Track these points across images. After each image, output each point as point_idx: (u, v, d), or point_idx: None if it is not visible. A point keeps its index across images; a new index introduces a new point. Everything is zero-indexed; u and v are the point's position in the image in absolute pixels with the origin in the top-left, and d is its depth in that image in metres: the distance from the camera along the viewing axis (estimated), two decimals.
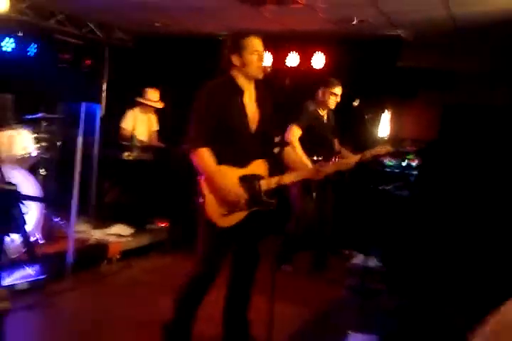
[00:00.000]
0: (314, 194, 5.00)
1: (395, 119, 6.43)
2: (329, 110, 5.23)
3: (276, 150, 3.28)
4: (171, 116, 7.03)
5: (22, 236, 1.87)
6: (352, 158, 5.17)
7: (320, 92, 5.12)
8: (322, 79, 5.27)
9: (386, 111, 6.05)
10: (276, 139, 3.32)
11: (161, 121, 6.87)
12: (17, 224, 1.30)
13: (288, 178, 3.35)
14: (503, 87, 6.09)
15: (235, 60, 3.14)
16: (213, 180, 3.06)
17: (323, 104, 5.14)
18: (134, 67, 7.18)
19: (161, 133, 6.88)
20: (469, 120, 6.19)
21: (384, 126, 6.07)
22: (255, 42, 3.14)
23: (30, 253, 3.00)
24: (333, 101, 5.12)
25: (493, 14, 5.11)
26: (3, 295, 1.36)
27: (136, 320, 3.93)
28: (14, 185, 1.84)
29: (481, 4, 4.88)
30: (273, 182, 3.25)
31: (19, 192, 1.73)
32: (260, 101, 3.26)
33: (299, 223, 5.11)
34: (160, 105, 6.61)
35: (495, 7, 4.92)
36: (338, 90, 5.12)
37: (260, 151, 3.27)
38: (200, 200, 3.07)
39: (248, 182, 3.15)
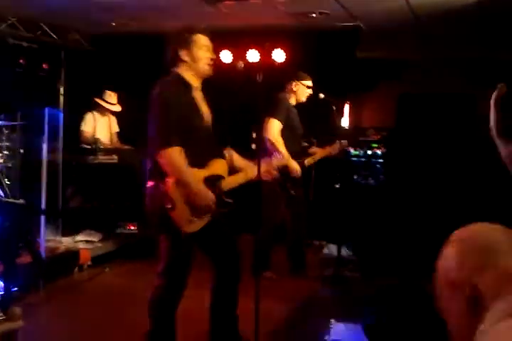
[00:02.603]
0: (293, 191, 4.97)
1: (357, 109, 6.52)
2: (297, 104, 5.20)
3: (253, 146, 3.25)
4: (132, 117, 6.93)
5: (30, 247, 1.82)
6: (319, 153, 5.25)
7: (293, 85, 5.07)
8: (291, 72, 5.24)
9: (348, 101, 6.13)
10: (253, 135, 3.32)
11: (121, 122, 6.76)
12: (28, 236, 1.25)
13: (243, 177, 3.28)
14: (462, 74, 6.23)
15: (184, 55, 3.08)
16: (186, 183, 2.93)
17: (297, 97, 5.11)
18: (91, 69, 7.03)
19: (121, 134, 6.77)
20: (423, 108, 6.32)
21: (346, 117, 6.16)
22: (204, 38, 3.13)
23: (39, 263, 2.88)
24: (305, 94, 5.10)
25: (451, 2, 5.18)
26: (17, 313, 1.31)
27: (114, 326, 3.89)
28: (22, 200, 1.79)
29: None
30: (232, 182, 3.21)
31: (31, 205, 1.67)
32: (205, 99, 3.23)
33: (269, 226, 5.03)
34: (117, 108, 6.51)
35: None
36: (310, 83, 5.11)
37: (216, 149, 3.23)
38: (168, 206, 2.89)
39: (211, 183, 3.07)
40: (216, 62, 3.22)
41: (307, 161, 5.13)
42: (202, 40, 3.11)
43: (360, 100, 6.69)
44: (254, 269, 4.81)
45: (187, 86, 3.11)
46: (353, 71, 6.32)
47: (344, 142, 5.30)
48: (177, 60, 3.10)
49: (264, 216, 4.93)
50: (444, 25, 5.95)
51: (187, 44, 3.08)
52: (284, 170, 4.68)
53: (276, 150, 4.79)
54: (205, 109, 3.18)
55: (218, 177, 3.15)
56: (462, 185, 5.66)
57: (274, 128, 4.83)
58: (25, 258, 4.63)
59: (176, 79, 3.10)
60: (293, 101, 5.11)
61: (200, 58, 3.10)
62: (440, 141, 5.99)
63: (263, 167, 3.28)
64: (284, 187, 4.87)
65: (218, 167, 3.17)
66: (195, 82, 3.16)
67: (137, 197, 5.93)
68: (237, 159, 3.38)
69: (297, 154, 4.99)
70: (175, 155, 2.91)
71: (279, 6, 5.58)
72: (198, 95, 3.18)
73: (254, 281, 3.10)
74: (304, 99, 5.12)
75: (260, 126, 4.59)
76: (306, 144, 5.26)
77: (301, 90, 5.08)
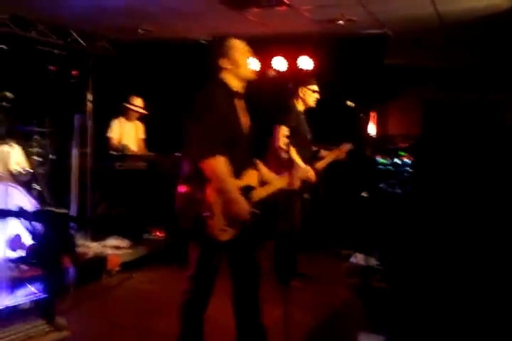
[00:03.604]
0: (306, 195, 5.00)
1: (384, 116, 6.48)
2: (306, 109, 5.20)
3: (283, 155, 3.24)
4: (157, 124, 6.97)
5: (71, 254, 1.84)
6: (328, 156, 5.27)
7: (299, 92, 5.09)
8: (300, 79, 5.26)
9: (375, 108, 6.10)
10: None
11: (146, 128, 6.80)
12: (69, 244, 1.27)
13: (272, 189, 3.28)
14: (488, 81, 6.17)
15: (224, 63, 3.09)
16: (227, 192, 2.92)
17: (304, 103, 5.13)
18: (118, 76, 7.10)
19: (147, 141, 6.81)
20: (450, 114, 6.27)
21: (372, 124, 6.13)
22: (240, 42, 3.14)
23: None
24: (313, 99, 5.13)
25: (479, 10, 5.16)
26: (63, 324, 1.31)
27: (143, 332, 3.90)
28: (64, 208, 1.82)
29: (467, 1, 4.92)
30: (262, 193, 3.20)
31: (70, 214, 1.69)
32: (245, 106, 3.23)
33: (288, 232, 5.01)
34: (144, 111, 6.56)
35: (480, 3, 4.97)
36: (316, 87, 5.13)
37: (251, 159, 3.22)
38: (206, 214, 2.90)
39: (244, 194, 3.06)
40: None
41: (318, 165, 5.15)
42: (238, 44, 3.12)
43: (387, 107, 6.65)
44: (281, 278, 4.83)
45: (230, 94, 3.11)
46: (379, 78, 6.29)
47: (349, 145, 5.30)
48: (218, 69, 3.11)
49: (281, 223, 4.94)
50: (471, 32, 5.92)
51: (225, 51, 3.09)
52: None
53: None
54: (244, 119, 3.17)
55: (250, 188, 3.14)
56: (491, 192, 5.59)
57: (283, 135, 4.85)
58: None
59: (221, 85, 3.10)
60: (301, 107, 5.14)
61: (241, 62, 3.10)
62: (467, 147, 5.93)
63: (290, 177, 3.31)
64: (298, 192, 4.90)
65: (251, 178, 3.16)
66: (239, 88, 3.15)
67: (164, 203, 6.01)
68: (264, 172, 3.37)
69: (308, 159, 5.01)
70: (220, 165, 2.90)
71: (305, 13, 5.59)
72: (240, 104, 3.17)
73: (283, 290, 3.07)
74: (312, 104, 5.15)
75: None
76: (315, 149, 5.27)
77: (308, 95, 5.11)
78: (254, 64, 6.45)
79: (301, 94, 5.10)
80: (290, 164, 4.66)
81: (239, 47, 3.11)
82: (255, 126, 3.22)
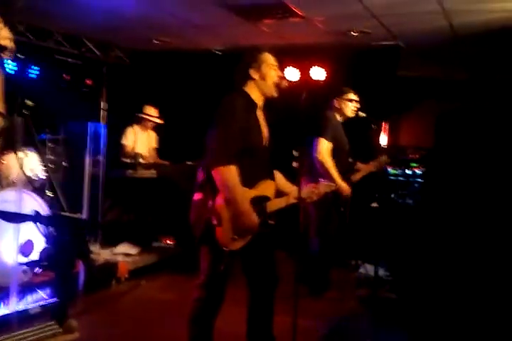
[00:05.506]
0: (343, 208, 4.98)
1: (396, 128, 6.48)
2: (344, 120, 5.13)
3: (294, 164, 3.25)
4: (169, 133, 7.02)
5: (85, 260, 1.87)
6: (364, 168, 5.22)
7: (336, 102, 5.02)
8: (332, 89, 5.23)
9: (387, 119, 6.09)
10: (295, 153, 3.34)
11: (160, 137, 6.85)
12: (84, 249, 1.30)
13: (286, 201, 3.25)
14: (502, 93, 6.16)
15: (254, 73, 3.13)
16: (234, 202, 2.94)
17: (341, 114, 5.05)
18: (132, 85, 7.18)
19: (160, 149, 6.87)
20: (463, 126, 6.25)
21: (384, 135, 6.12)
22: (271, 57, 3.18)
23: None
24: (351, 108, 5.02)
25: (492, 23, 5.16)
26: (74, 326, 1.33)
27: (152, 339, 3.92)
28: (79, 214, 1.85)
29: (480, 14, 4.93)
30: (278, 204, 3.21)
31: (85, 220, 1.73)
32: (264, 118, 3.25)
33: (325, 243, 5.01)
34: (160, 121, 6.61)
35: (493, 16, 4.98)
36: (353, 96, 5.04)
37: (268, 171, 3.23)
38: (214, 222, 2.93)
39: (258, 204, 3.08)
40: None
41: (353, 177, 5.11)
42: (270, 59, 3.17)
43: (400, 119, 6.65)
44: (313, 289, 4.92)
45: (252, 104, 3.15)
46: (393, 90, 6.29)
47: (385, 157, 5.22)
48: (246, 78, 3.15)
49: (318, 234, 4.93)
50: (485, 44, 5.92)
51: (256, 62, 3.14)
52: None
53: (326, 170, 4.76)
54: (265, 130, 3.20)
55: (265, 199, 3.15)
56: (504, 204, 5.55)
57: (322, 147, 4.80)
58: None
59: (243, 96, 3.14)
60: (339, 118, 5.06)
61: (269, 76, 3.14)
62: (480, 158, 5.90)
63: (306, 191, 3.30)
64: (335, 203, 4.86)
65: (267, 188, 3.17)
66: (259, 102, 3.19)
67: (174, 212, 6.06)
68: (282, 182, 3.37)
69: (345, 171, 4.96)
70: (230, 174, 2.93)
71: (319, 24, 5.62)
72: (261, 115, 3.21)
73: (294, 301, 3.06)
74: (350, 114, 5.03)
75: (302, 145, 4.57)
76: (351, 160, 5.23)
77: (345, 106, 5.01)
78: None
79: (337, 105, 5.02)
80: (318, 173, 4.66)
81: (269, 62, 3.16)
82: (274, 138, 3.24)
